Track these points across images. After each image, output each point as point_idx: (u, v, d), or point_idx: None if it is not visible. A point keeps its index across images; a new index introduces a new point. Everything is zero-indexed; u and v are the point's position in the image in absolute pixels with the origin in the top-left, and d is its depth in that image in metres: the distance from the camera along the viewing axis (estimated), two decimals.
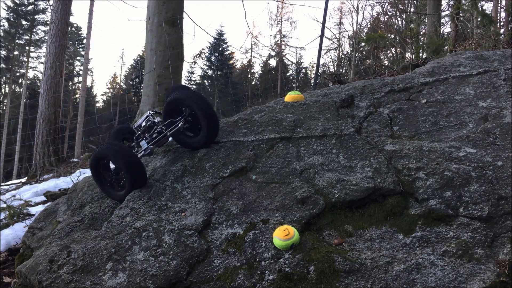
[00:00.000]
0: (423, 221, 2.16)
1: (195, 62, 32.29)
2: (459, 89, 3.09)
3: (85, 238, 2.34)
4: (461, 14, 8.37)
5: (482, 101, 2.89)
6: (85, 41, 21.31)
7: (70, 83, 30.04)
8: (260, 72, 35.81)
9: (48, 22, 10.40)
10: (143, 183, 2.61)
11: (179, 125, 2.80)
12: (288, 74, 34.35)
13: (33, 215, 3.66)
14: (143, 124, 2.90)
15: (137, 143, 2.87)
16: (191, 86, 33.40)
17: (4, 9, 25.15)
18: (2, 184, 6.37)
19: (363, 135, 2.81)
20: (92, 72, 34.57)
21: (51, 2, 23.74)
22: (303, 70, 35.67)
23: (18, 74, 27.51)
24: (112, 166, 2.72)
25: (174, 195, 2.56)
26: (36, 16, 26.13)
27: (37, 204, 4.27)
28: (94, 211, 2.58)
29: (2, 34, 25.56)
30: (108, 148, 2.58)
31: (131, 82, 34.94)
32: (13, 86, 27.48)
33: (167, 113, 2.85)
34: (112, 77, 40.77)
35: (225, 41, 33.57)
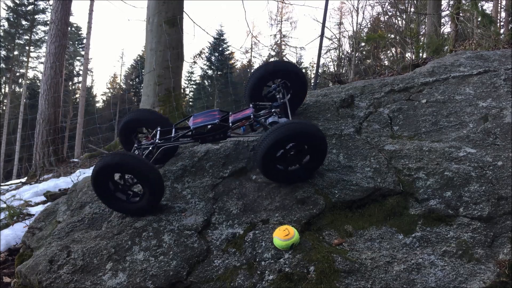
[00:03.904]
0: (423, 221, 2.16)
1: (195, 62, 32.26)
2: (459, 89, 3.08)
3: (85, 238, 2.34)
4: (461, 14, 8.37)
5: (482, 101, 2.89)
6: (85, 41, 21.30)
7: (70, 83, 30.02)
8: None
9: (48, 22, 10.40)
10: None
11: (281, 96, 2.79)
12: None
13: (33, 215, 3.66)
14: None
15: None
16: (190, 87, 33.42)
17: (4, 9, 25.15)
18: (2, 184, 6.37)
19: (363, 135, 2.81)
20: (92, 72, 34.59)
21: (51, 2, 23.73)
22: (303, 70, 35.64)
23: (18, 74, 27.49)
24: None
25: (174, 195, 2.56)
26: (36, 16, 26.11)
27: (37, 204, 4.27)
28: (94, 211, 2.58)
29: (2, 34, 25.55)
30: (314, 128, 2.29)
31: (131, 82, 34.91)
32: (13, 86, 27.46)
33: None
34: (112, 77, 40.78)
35: (225, 41, 33.56)
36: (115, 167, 2.29)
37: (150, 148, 2.62)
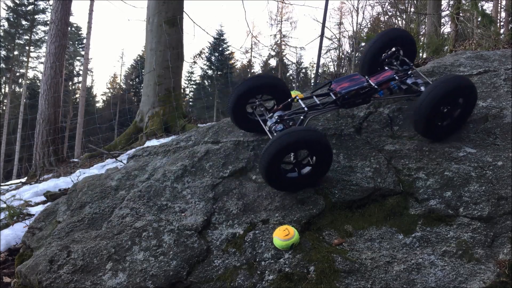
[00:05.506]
0: (423, 221, 2.16)
1: (195, 62, 32.26)
2: None
3: (85, 238, 2.34)
4: (461, 14, 8.36)
5: (482, 101, 2.89)
6: (85, 41, 21.31)
7: (70, 83, 30.02)
8: (260, 72, 35.81)
9: (48, 22, 10.40)
10: None
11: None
12: (288, 74, 34.35)
13: (33, 215, 3.65)
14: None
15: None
16: (190, 87, 33.42)
17: (4, 9, 25.16)
18: (2, 184, 6.36)
19: (363, 135, 2.81)
20: (92, 72, 34.57)
21: (51, 2, 23.73)
22: (303, 70, 35.70)
23: (18, 74, 27.49)
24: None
25: (174, 195, 2.56)
26: (36, 16, 26.11)
27: (37, 204, 4.26)
28: (94, 211, 2.58)
29: (2, 34, 25.55)
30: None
31: (131, 82, 34.92)
32: (13, 86, 27.46)
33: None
34: (112, 77, 40.77)
35: (225, 41, 33.56)
36: (297, 144, 2.19)
37: (302, 117, 2.54)
